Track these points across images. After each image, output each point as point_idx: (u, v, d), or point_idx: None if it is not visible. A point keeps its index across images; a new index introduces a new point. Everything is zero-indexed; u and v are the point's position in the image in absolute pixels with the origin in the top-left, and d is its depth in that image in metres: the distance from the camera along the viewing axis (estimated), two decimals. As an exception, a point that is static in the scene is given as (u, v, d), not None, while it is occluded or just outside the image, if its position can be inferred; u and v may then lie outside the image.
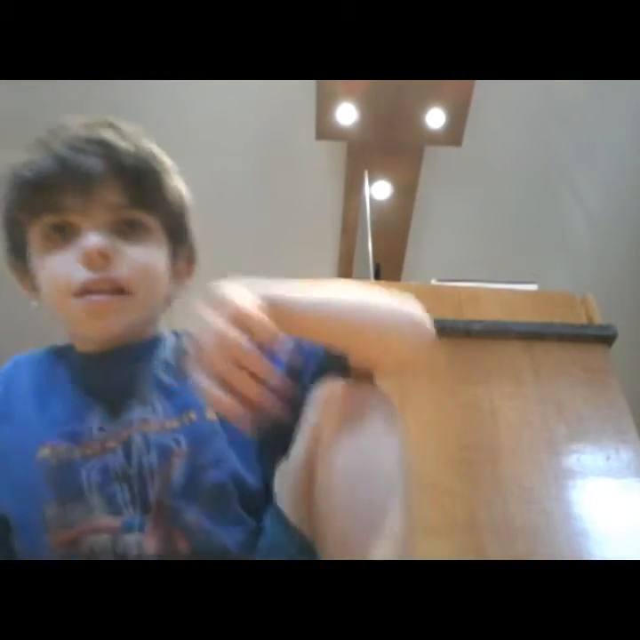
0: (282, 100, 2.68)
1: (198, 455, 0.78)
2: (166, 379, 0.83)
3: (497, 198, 3.01)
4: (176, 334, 0.90)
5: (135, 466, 0.77)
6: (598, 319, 1.55)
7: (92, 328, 0.81)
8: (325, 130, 2.73)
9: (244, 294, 0.64)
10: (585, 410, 1.39)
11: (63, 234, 0.79)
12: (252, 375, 0.62)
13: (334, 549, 0.69)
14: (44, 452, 0.79)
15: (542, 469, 1.30)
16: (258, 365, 0.62)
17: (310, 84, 2.61)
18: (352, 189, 2.83)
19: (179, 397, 0.81)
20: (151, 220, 0.83)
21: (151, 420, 0.79)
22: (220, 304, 0.63)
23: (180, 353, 0.84)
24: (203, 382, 0.62)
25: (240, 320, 0.62)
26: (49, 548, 0.76)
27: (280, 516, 0.78)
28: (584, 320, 1.55)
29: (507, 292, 1.67)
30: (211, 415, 0.80)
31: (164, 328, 0.90)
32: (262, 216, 2.91)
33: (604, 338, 1.50)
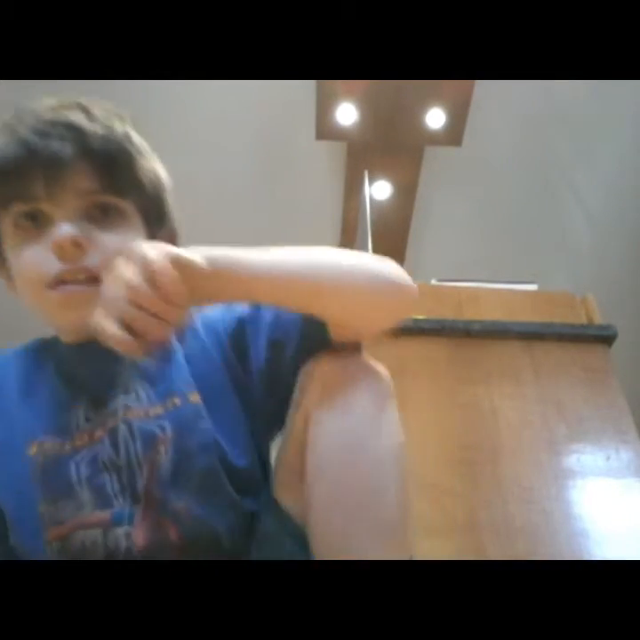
0: (282, 100, 2.68)
1: (184, 440, 0.77)
2: (148, 364, 0.81)
3: (497, 198, 3.01)
4: None
5: (123, 455, 0.77)
6: (598, 319, 1.55)
7: (68, 319, 0.79)
8: (325, 130, 2.73)
9: (157, 251, 0.63)
10: (585, 410, 1.39)
11: (35, 222, 0.77)
12: (153, 314, 0.61)
13: (319, 541, 0.68)
14: (32, 450, 0.79)
15: (542, 469, 1.30)
16: (157, 306, 0.61)
17: (310, 84, 2.61)
18: (352, 189, 2.83)
19: (162, 383, 0.80)
20: (125, 205, 0.80)
21: (135, 407, 0.79)
22: (129, 256, 0.64)
23: None
24: (100, 322, 0.62)
25: (144, 270, 0.62)
26: (44, 543, 0.76)
27: (272, 503, 0.76)
28: (584, 320, 1.55)
29: (507, 292, 1.68)
30: (194, 398, 0.79)
31: None
32: (262, 216, 2.91)
33: (604, 338, 1.50)
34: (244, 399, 0.82)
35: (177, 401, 0.79)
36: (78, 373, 0.82)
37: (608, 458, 1.32)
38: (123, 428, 0.78)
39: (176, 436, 0.77)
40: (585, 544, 1.21)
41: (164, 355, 0.82)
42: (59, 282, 0.75)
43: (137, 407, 0.79)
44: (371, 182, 2.64)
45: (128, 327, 0.61)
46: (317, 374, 0.73)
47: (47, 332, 0.88)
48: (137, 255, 0.63)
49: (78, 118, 0.77)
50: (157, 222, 0.85)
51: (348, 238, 2.93)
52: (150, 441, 0.77)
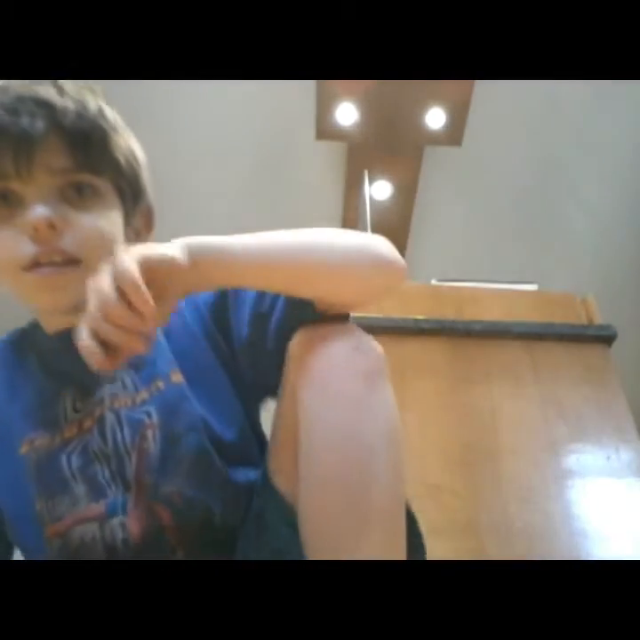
0: (282, 100, 2.68)
1: (170, 424, 0.77)
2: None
3: (497, 198, 3.01)
4: None
5: (111, 444, 0.77)
6: (598, 319, 1.55)
7: (46, 300, 0.77)
8: (325, 130, 2.73)
9: (128, 259, 0.61)
10: (585, 410, 1.39)
11: (6, 202, 0.74)
12: (123, 327, 0.60)
13: (308, 528, 0.65)
14: (24, 448, 0.79)
15: (542, 469, 1.30)
16: (126, 319, 0.60)
17: (310, 84, 2.61)
18: (352, 189, 2.83)
19: (145, 367, 0.80)
20: (100, 183, 0.77)
21: (121, 395, 0.79)
22: (108, 268, 0.62)
23: None
24: (79, 333, 0.62)
25: (119, 282, 0.60)
26: (44, 541, 0.77)
27: (267, 482, 0.75)
28: (584, 320, 1.55)
29: (507, 292, 1.68)
30: (176, 378, 0.79)
31: None
32: (262, 216, 2.91)
33: (604, 338, 1.51)
34: (230, 371, 0.81)
35: (160, 384, 0.79)
36: (63, 363, 0.81)
37: (608, 458, 1.32)
38: (110, 417, 0.78)
39: (162, 421, 0.77)
40: (585, 544, 1.21)
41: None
42: (34, 264, 0.73)
43: (123, 395, 0.79)
44: (371, 182, 2.64)
45: (102, 340, 0.61)
46: (299, 354, 0.69)
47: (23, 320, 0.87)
48: (111, 266, 0.62)
49: (49, 93, 0.74)
50: (133, 199, 0.82)
51: (348, 238, 2.92)
52: (138, 428, 0.77)
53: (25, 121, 0.72)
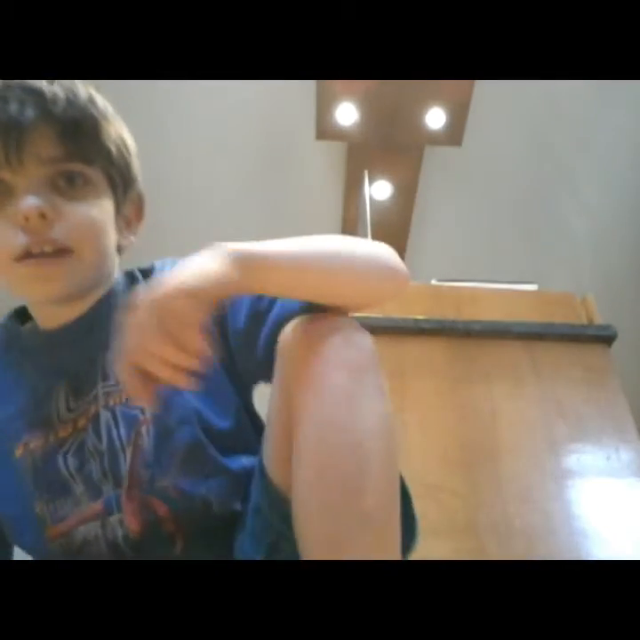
0: (282, 100, 2.68)
1: (163, 418, 0.77)
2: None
3: (497, 198, 3.01)
4: (130, 276, 0.85)
5: (105, 441, 0.77)
6: (598, 319, 1.55)
7: (39, 291, 0.76)
8: (325, 130, 2.73)
9: (170, 292, 0.60)
10: (585, 410, 1.39)
11: None
12: (165, 362, 0.60)
13: (300, 524, 0.64)
14: (19, 451, 0.78)
15: (542, 469, 1.30)
16: (175, 358, 0.60)
17: (310, 84, 2.61)
18: (352, 189, 2.83)
19: None
20: (91, 172, 0.77)
21: (115, 392, 0.78)
22: (145, 301, 0.61)
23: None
24: (120, 369, 0.61)
25: (166, 324, 0.59)
26: (46, 541, 0.77)
27: (262, 474, 0.74)
28: (584, 320, 1.55)
29: (507, 292, 1.68)
30: None
31: (117, 273, 0.85)
32: (262, 216, 2.91)
33: (604, 338, 1.51)
34: (226, 364, 0.81)
35: None
36: (57, 359, 0.80)
37: (608, 458, 1.32)
38: (106, 415, 0.78)
39: (154, 416, 0.77)
40: (585, 544, 1.21)
41: None
42: (26, 254, 0.72)
43: (117, 392, 0.78)
44: (371, 182, 2.64)
45: (145, 373, 0.60)
46: (290, 347, 0.68)
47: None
48: (150, 301, 0.61)
49: (37, 81, 0.74)
50: (124, 188, 0.82)
51: (348, 238, 2.92)
52: (133, 424, 0.77)
53: (14, 109, 0.72)
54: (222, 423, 0.79)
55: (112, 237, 0.80)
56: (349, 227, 2.92)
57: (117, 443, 0.77)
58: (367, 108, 2.66)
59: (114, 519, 0.76)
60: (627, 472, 1.31)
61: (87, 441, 0.78)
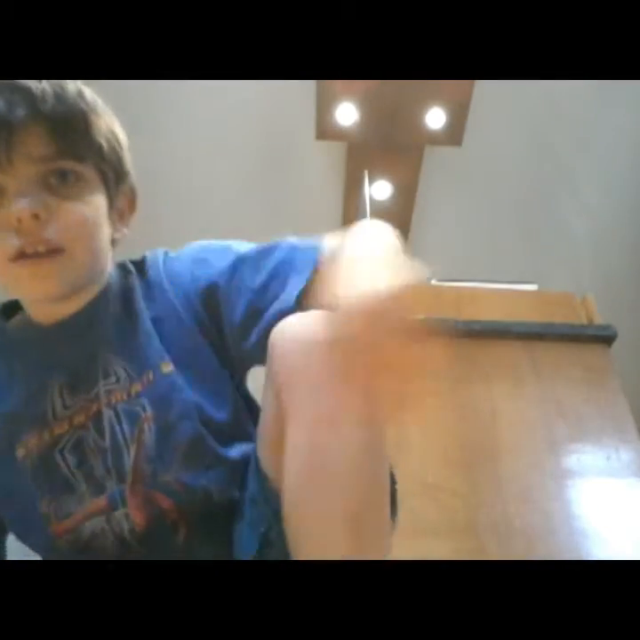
0: (282, 100, 2.68)
1: (164, 414, 0.77)
2: (121, 338, 0.80)
3: (497, 198, 3.01)
4: (123, 268, 0.85)
5: (109, 439, 0.77)
6: (598, 319, 1.55)
7: (36, 290, 0.76)
8: (325, 130, 2.73)
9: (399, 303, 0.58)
10: (585, 410, 1.39)
11: None
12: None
13: (289, 522, 0.64)
14: (20, 452, 0.79)
15: (542, 469, 1.30)
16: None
17: (310, 84, 2.61)
18: (352, 189, 2.83)
19: (136, 358, 0.79)
20: (83, 168, 0.76)
21: (116, 390, 0.78)
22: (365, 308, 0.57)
23: (129, 293, 0.81)
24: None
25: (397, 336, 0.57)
26: (53, 538, 0.77)
27: (258, 471, 0.75)
28: (584, 320, 1.55)
29: (507, 292, 1.68)
30: (166, 368, 0.79)
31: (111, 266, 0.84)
32: (262, 216, 2.91)
33: (604, 338, 1.51)
34: (221, 354, 0.81)
35: (151, 376, 0.78)
36: (52, 358, 0.80)
37: (608, 458, 1.32)
38: (108, 413, 0.78)
39: (155, 412, 0.77)
40: (584, 544, 1.21)
41: (132, 325, 0.80)
42: (20, 255, 0.72)
43: (118, 390, 0.78)
44: (371, 182, 2.64)
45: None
46: (280, 346, 0.67)
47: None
48: (371, 308, 0.57)
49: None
50: (117, 182, 0.81)
51: (348, 238, 2.92)
52: (136, 422, 0.77)
53: (2, 108, 0.71)
54: (220, 415, 0.80)
55: (106, 233, 0.80)
56: (349, 227, 2.92)
57: (121, 440, 0.77)
58: (367, 108, 2.66)
59: (119, 514, 0.76)
60: (627, 472, 1.31)
61: (87, 438, 0.78)
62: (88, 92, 0.78)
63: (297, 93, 2.63)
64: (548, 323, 1.51)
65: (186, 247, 0.86)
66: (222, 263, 0.81)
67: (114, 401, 0.78)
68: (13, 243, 0.72)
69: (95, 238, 0.78)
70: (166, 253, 0.85)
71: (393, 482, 0.71)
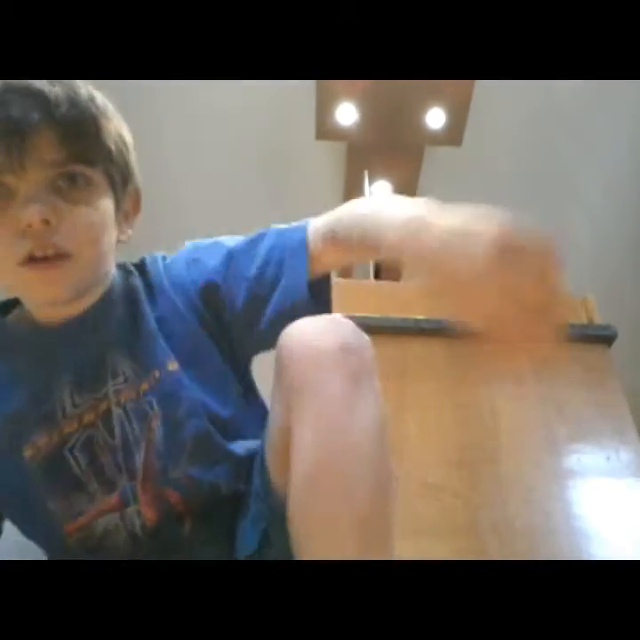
0: (282, 100, 2.68)
1: (171, 412, 0.79)
2: (126, 338, 0.81)
3: (497, 198, 3.00)
4: (124, 269, 0.86)
5: (119, 437, 0.79)
6: (598, 319, 1.55)
7: (45, 294, 0.77)
8: (325, 130, 2.72)
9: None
10: (585, 410, 1.39)
11: None
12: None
13: (294, 525, 0.65)
14: (28, 452, 0.79)
15: (542, 470, 1.30)
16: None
17: (310, 84, 2.61)
18: (352, 189, 2.83)
19: (142, 357, 0.81)
20: (92, 172, 0.77)
21: (125, 389, 0.79)
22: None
23: (133, 294, 0.83)
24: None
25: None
26: (65, 537, 0.78)
27: (263, 473, 0.76)
28: (584, 320, 1.55)
29: (507, 292, 1.67)
30: (172, 367, 0.80)
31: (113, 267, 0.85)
32: (262, 216, 2.91)
33: (604, 338, 1.50)
34: (223, 348, 0.83)
35: (157, 374, 0.80)
36: (55, 356, 0.81)
37: (608, 458, 1.32)
38: (118, 412, 0.79)
39: (163, 410, 0.79)
40: (585, 544, 1.21)
41: (136, 325, 0.81)
42: (30, 259, 0.73)
43: (127, 389, 0.79)
44: (371, 182, 2.64)
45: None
46: (288, 354, 0.68)
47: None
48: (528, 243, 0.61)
49: (39, 82, 0.73)
50: (124, 184, 0.82)
51: (348, 238, 2.91)
52: (144, 420, 0.79)
53: (17, 112, 0.72)
54: (225, 411, 0.81)
55: (112, 237, 0.81)
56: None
57: (131, 438, 0.79)
58: (367, 108, 2.66)
59: (131, 510, 0.78)
60: (627, 472, 1.31)
61: (96, 436, 0.79)
62: (99, 95, 0.78)
63: (297, 93, 2.63)
64: (548, 323, 1.51)
65: (179, 251, 0.87)
66: (216, 259, 0.83)
67: (123, 400, 0.79)
68: (23, 246, 0.73)
69: (102, 242, 0.79)
70: (164, 257, 0.87)
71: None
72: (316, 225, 0.82)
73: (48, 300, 0.79)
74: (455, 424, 1.36)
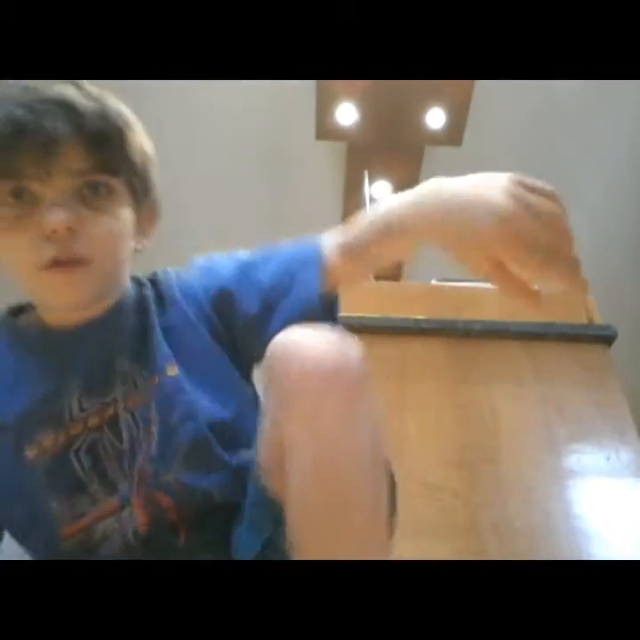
0: (282, 100, 2.68)
1: (166, 416, 0.79)
2: (135, 346, 0.82)
3: (497, 198, 3.01)
4: (136, 281, 0.88)
5: (127, 442, 0.79)
6: (598, 319, 1.55)
7: (65, 298, 0.78)
8: (325, 130, 2.73)
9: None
10: (585, 410, 1.39)
11: (21, 200, 0.74)
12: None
13: (294, 534, 0.66)
14: (32, 451, 0.79)
15: (542, 470, 1.30)
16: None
17: (310, 84, 2.61)
18: (352, 189, 2.83)
19: (147, 364, 0.81)
20: (115, 182, 0.78)
21: (133, 395, 0.80)
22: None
23: (144, 304, 0.84)
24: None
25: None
26: (60, 539, 0.78)
27: (256, 483, 0.76)
28: (584, 320, 1.55)
29: (507, 293, 1.67)
30: (171, 371, 0.80)
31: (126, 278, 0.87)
32: (262, 216, 2.91)
33: (604, 338, 1.51)
34: (232, 354, 0.83)
35: (156, 379, 0.80)
36: (68, 360, 0.82)
37: (608, 458, 1.32)
38: (125, 417, 0.79)
39: (159, 414, 0.79)
40: (585, 544, 1.21)
41: (145, 334, 0.82)
42: (54, 263, 0.74)
43: (135, 395, 0.80)
44: (371, 182, 2.64)
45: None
46: (280, 366, 0.68)
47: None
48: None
49: (71, 93, 0.74)
50: (144, 196, 0.84)
51: (348, 238, 2.92)
52: (147, 425, 0.79)
53: (48, 123, 0.73)
54: (225, 414, 0.81)
55: (129, 246, 0.83)
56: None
57: (136, 443, 0.79)
58: (367, 108, 2.66)
59: (125, 513, 0.78)
60: (627, 472, 1.31)
61: (102, 440, 0.79)
62: (126, 109, 0.80)
63: (297, 93, 2.63)
64: (547, 323, 1.51)
65: (191, 263, 0.89)
66: (229, 270, 0.84)
67: (131, 405, 0.80)
68: (47, 251, 0.74)
69: (120, 251, 0.81)
70: (177, 271, 0.89)
71: (393, 482, 0.72)
72: (330, 236, 0.84)
73: (68, 303, 0.80)
74: (455, 424, 1.36)
